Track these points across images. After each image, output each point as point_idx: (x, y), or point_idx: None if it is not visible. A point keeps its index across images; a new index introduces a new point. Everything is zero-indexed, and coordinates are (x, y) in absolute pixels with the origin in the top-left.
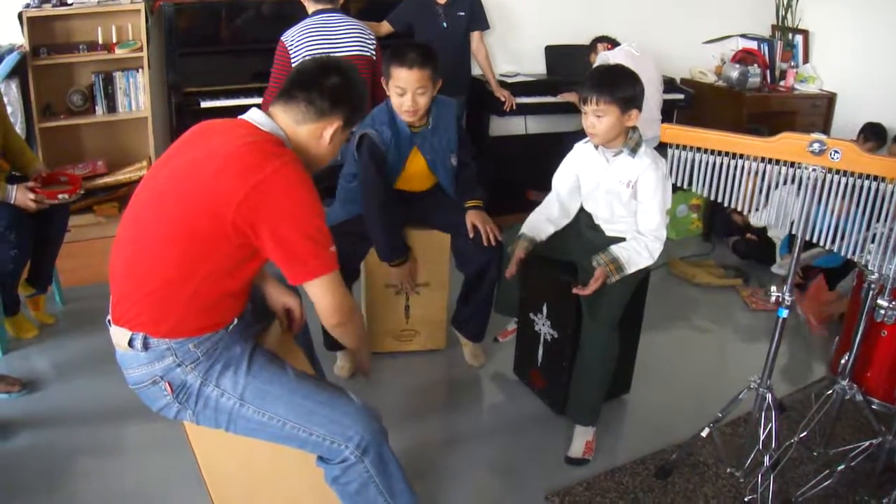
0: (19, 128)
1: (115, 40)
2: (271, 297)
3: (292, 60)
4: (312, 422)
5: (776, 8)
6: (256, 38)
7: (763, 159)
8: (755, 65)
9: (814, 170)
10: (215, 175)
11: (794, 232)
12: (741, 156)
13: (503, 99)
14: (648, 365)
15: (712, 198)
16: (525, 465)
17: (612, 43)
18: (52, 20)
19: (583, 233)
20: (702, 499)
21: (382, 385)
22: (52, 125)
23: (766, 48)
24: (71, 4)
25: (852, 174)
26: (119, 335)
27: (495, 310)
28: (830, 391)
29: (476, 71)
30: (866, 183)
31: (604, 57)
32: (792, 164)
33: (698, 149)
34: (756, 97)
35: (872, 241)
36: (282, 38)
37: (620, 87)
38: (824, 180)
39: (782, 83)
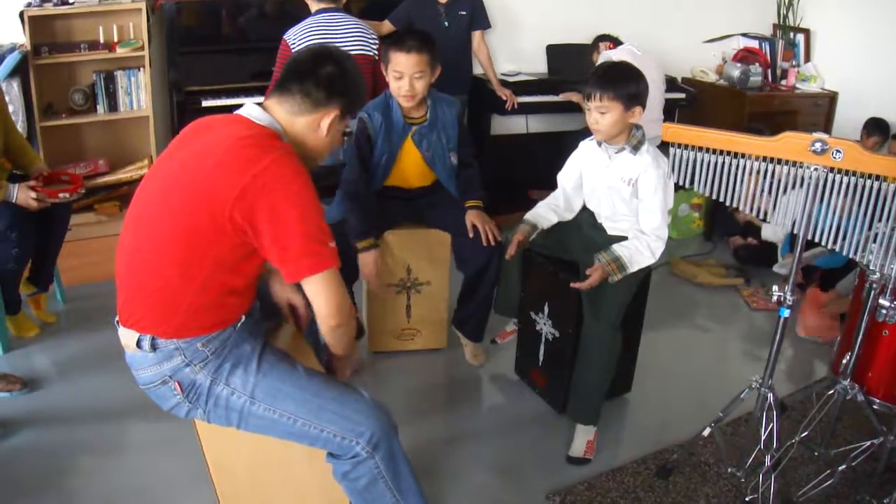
0: (21, 127)
1: (116, 39)
2: (276, 293)
3: None
4: (323, 418)
5: (777, 7)
6: (258, 37)
7: (765, 159)
8: (756, 64)
9: (815, 169)
10: (211, 172)
11: (795, 231)
12: (743, 155)
13: (504, 98)
14: (650, 364)
15: (714, 197)
16: (526, 464)
17: (614, 42)
18: (54, 19)
19: (585, 232)
20: (703, 498)
21: (383, 384)
22: (53, 124)
23: (768, 47)
24: (72, 3)
25: (854, 173)
26: (127, 336)
27: (495, 311)
28: (832, 391)
29: (477, 70)
30: (868, 182)
31: (606, 56)
32: (794, 164)
33: (700, 148)
34: (757, 96)
35: (874, 241)
36: (284, 36)
37: (624, 83)
38: (826, 180)
39: (784, 82)
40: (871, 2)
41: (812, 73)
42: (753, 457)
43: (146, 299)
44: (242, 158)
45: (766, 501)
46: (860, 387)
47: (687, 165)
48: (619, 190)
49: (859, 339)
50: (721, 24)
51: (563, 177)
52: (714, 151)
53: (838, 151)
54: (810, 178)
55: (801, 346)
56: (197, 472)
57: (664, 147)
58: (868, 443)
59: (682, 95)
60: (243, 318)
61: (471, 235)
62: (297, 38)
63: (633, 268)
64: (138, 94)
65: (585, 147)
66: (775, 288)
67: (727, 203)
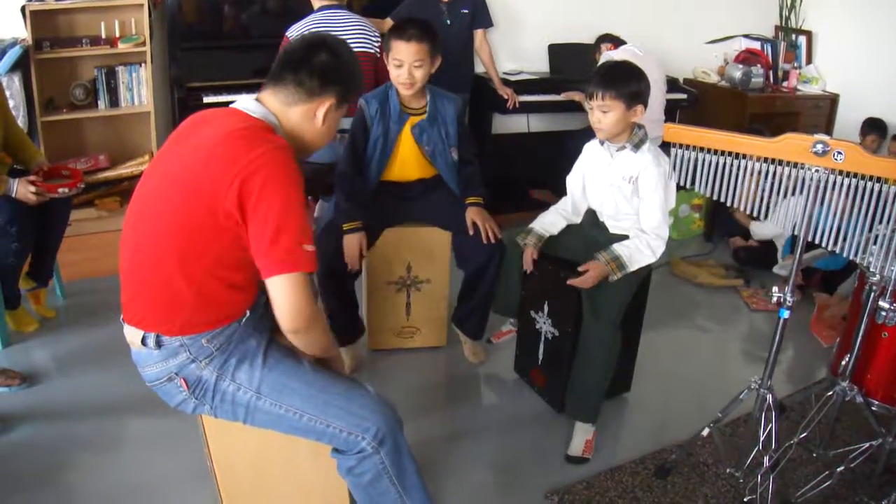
0: (22, 121)
1: (117, 34)
2: None
3: None
4: (329, 414)
5: (779, 9)
6: (261, 33)
7: (766, 160)
8: (758, 65)
9: (816, 171)
10: (205, 166)
11: (796, 233)
12: (744, 156)
13: (506, 97)
14: (649, 364)
15: (715, 198)
16: (524, 462)
17: (617, 42)
18: (55, 14)
19: (586, 231)
20: (701, 499)
21: (383, 382)
22: (54, 119)
23: (770, 49)
24: None
25: (855, 175)
26: (132, 334)
27: (493, 310)
28: (831, 392)
29: (479, 68)
30: (869, 184)
31: (608, 56)
32: (795, 165)
33: (701, 148)
34: (759, 98)
35: (874, 243)
36: (286, 32)
37: (625, 82)
38: (827, 181)
39: (785, 84)
40: (872, 4)
41: (813, 74)
42: (752, 457)
43: (149, 297)
44: (234, 150)
45: (765, 502)
46: (859, 388)
47: (688, 166)
48: (620, 188)
49: (859, 341)
50: (723, 26)
51: (570, 181)
52: (715, 152)
53: (839, 153)
54: (811, 179)
55: (801, 348)
56: (196, 468)
57: (665, 147)
58: (867, 444)
59: (684, 96)
60: (248, 313)
61: (471, 232)
62: (299, 34)
63: (633, 266)
64: (139, 90)
65: (589, 148)
66: (775, 289)
67: (728, 203)
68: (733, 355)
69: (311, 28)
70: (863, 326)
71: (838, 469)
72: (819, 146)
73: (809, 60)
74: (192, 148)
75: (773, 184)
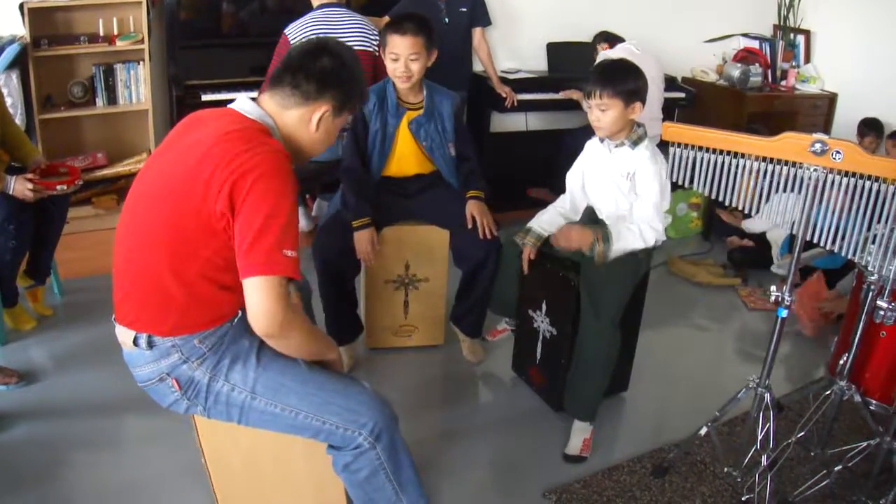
0: (19, 119)
1: (116, 32)
2: None
3: None
4: (326, 411)
5: (778, 8)
6: (259, 31)
7: (764, 159)
8: (756, 64)
9: (815, 170)
10: (198, 167)
11: (794, 232)
12: (742, 155)
13: (504, 95)
14: (647, 363)
15: (713, 197)
16: (522, 461)
17: (614, 40)
18: (54, 11)
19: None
20: (699, 498)
21: (380, 381)
22: (52, 117)
23: (768, 48)
24: None
25: (853, 174)
26: (124, 334)
27: (491, 310)
28: (829, 391)
29: (477, 67)
30: (867, 183)
31: (605, 55)
32: (793, 164)
33: (699, 147)
34: (757, 97)
35: (873, 242)
36: (285, 31)
37: (623, 80)
38: (825, 181)
39: (783, 83)
40: (871, 3)
41: (812, 74)
42: (750, 456)
43: (141, 298)
44: (228, 152)
45: (762, 501)
46: (857, 387)
47: (686, 164)
48: (618, 184)
49: (857, 340)
50: (721, 25)
51: (570, 177)
52: (713, 151)
53: (838, 152)
54: (809, 178)
55: (799, 347)
56: (192, 466)
57: (664, 146)
58: (864, 443)
59: (682, 95)
60: (240, 313)
61: (469, 226)
62: (298, 32)
63: (618, 243)
64: (137, 88)
65: (590, 145)
66: (773, 288)
67: (726, 203)
68: (731, 354)
69: (309, 26)
70: (861, 326)
71: (836, 468)
72: (817, 145)
73: (808, 60)
74: (186, 148)
75: (771, 183)
